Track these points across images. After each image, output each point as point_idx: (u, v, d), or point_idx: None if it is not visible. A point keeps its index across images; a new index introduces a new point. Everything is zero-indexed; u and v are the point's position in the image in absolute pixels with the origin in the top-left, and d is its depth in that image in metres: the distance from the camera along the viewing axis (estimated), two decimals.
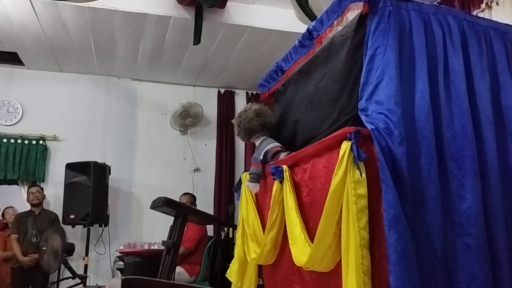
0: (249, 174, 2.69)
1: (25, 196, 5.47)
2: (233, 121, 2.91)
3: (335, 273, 1.91)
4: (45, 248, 4.58)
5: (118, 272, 4.74)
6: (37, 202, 5.07)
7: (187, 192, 5.37)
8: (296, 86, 2.79)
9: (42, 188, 5.24)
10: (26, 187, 5.51)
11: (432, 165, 1.83)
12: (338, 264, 1.86)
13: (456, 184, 1.88)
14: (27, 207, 5.29)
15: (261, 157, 2.63)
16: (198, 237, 4.77)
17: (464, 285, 1.80)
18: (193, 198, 5.29)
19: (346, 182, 1.73)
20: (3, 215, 5.36)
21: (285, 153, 2.52)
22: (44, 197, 5.21)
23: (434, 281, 1.75)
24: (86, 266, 5.03)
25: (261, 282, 2.83)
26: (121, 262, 4.73)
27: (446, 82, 2.01)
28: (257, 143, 2.78)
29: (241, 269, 2.70)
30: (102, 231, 5.44)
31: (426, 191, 1.81)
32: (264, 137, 2.76)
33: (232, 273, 2.76)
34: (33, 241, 4.86)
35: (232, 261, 2.80)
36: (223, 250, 4.36)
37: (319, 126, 2.31)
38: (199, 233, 4.77)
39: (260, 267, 2.72)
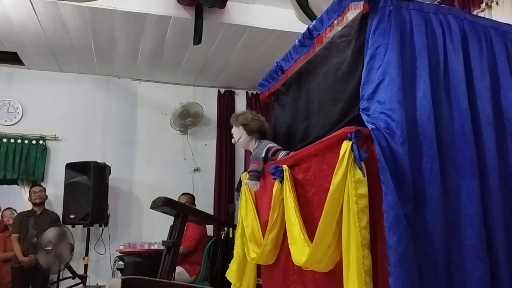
0: (249, 172, 2.68)
1: (25, 196, 5.47)
2: (244, 116, 2.84)
3: (337, 273, 1.91)
4: (50, 248, 4.57)
5: (118, 272, 4.74)
6: (40, 201, 5.07)
7: (186, 192, 5.37)
8: (297, 86, 2.79)
9: (44, 188, 5.24)
10: (26, 187, 5.52)
11: (434, 165, 1.83)
12: (338, 264, 1.86)
13: (453, 185, 1.88)
14: (27, 207, 5.29)
15: (262, 155, 2.63)
16: (198, 237, 4.77)
17: (460, 285, 1.79)
18: (192, 198, 5.29)
19: (346, 182, 1.72)
20: (1, 216, 5.36)
21: (284, 152, 2.54)
22: (46, 197, 5.21)
23: (437, 281, 1.75)
24: (86, 266, 5.03)
25: (260, 282, 2.83)
26: (121, 262, 4.73)
27: (446, 82, 2.01)
28: (254, 144, 2.79)
29: (239, 269, 2.71)
30: (102, 231, 5.43)
31: (428, 190, 1.80)
32: (263, 139, 2.80)
33: (231, 273, 2.76)
34: (34, 241, 4.85)
35: (232, 261, 2.80)
36: (223, 250, 4.36)
37: (322, 126, 2.31)
38: (198, 233, 4.77)
39: (259, 267, 2.72)
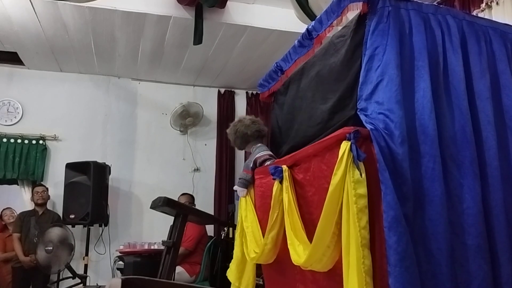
0: (239, 178, 2.78)
1: (26, 196, 5.48)
2: (229, 130, 2.94)
3: (336, 273, 1.91)
4: (50, 248, 4.58)
5: (118, 272, 4.75)
6: (42, 201, 5.07)
7: (186, 192, 5.37)
8: (296, 86, 2.79)
9: (47, 188, 5.24)
10: (26, 187, 5.52)
11: (437, 164, 1.82)
12: (338, 264, 1.86)
13: (455, 184, 1.88)
14: (27, 207, 5.29)
15: (251, 164, 2.74)
16: (197, 237, 4.77)
17: (463, 285, 1.79)
18: (191, 198, 5.29)
19: (345, 182, 1.72)
20: (0, 216, 5.35)
21: (270, 161, 2.62)
22: (49, 197, 5.21)
23: (441, 281, 1.74)
24: (86, 266, 5.04)
25: (260, 282, 2.83)
26: (121, 262, 4.73)
27: (446, 82, 2.01)
28: (252, 150, 2.85)
29: (238, 269, 2.71)
30: (102, 231, 5.44)
31: (431, 190, 1.80)
32: (259, 144, 2.85)
33: (231, 273, 2.77)
34: (35, 241, 4.85)
35: (232, 261, 2.81)
36: (223, 250, 4.36)
37: (318, 126, 2.31)
38: (197, 232, 4.77)
39: (258, 267, 2.72)
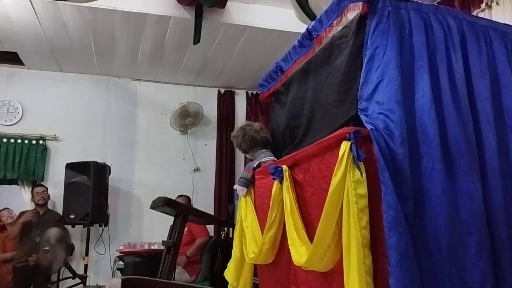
0: (240, 178, 2.79)
1: (26, 196, 5.47)
2: (235, 133, 2.95)
3: (333, 273, 1.91)
4: (47, 248, 4.58)
5: (118, 272, 4.75)
6: (43, 202, 5.07)
7: (182, 194, 5.38)
8: (297, 87, 2.79)
9: (47, 188, 5.23)
10: (26, 187, 5.52)
11: (436, 163, 1.82)
12: (336, 264, 1.86)
13: (455, 184, 1.88)
14: (27, 207, 5.29)
15: (254, 165, 2.76)
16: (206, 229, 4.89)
17: (464, 285, 1.79)
18: (188, 200, 5.31)
19: (346, 182, 1.73)
20: None
21: None
22: (49, 197, 5.21)
23: (441, 280, 1.74)
24: (86, 266, 5.03)
25: (257, 282, 2.83)
26: (121, 262, 4.73)
27: (446, 82, 2.01)
28: (256, 155, 2.87)
29: (237, 269, 2.71)
30: (102, 231, 5.44)
31: (431, 189, 1.80)
32: (264, 150, 2.88)
33: (229, 272, 2.77)
34: (37, 240, 4.85)
35: (230, 261, 2.81)
36: (223, 250, 4.36)
37: (322, 127, 2.31)
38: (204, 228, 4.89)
39: (255, 267, 2.73)
